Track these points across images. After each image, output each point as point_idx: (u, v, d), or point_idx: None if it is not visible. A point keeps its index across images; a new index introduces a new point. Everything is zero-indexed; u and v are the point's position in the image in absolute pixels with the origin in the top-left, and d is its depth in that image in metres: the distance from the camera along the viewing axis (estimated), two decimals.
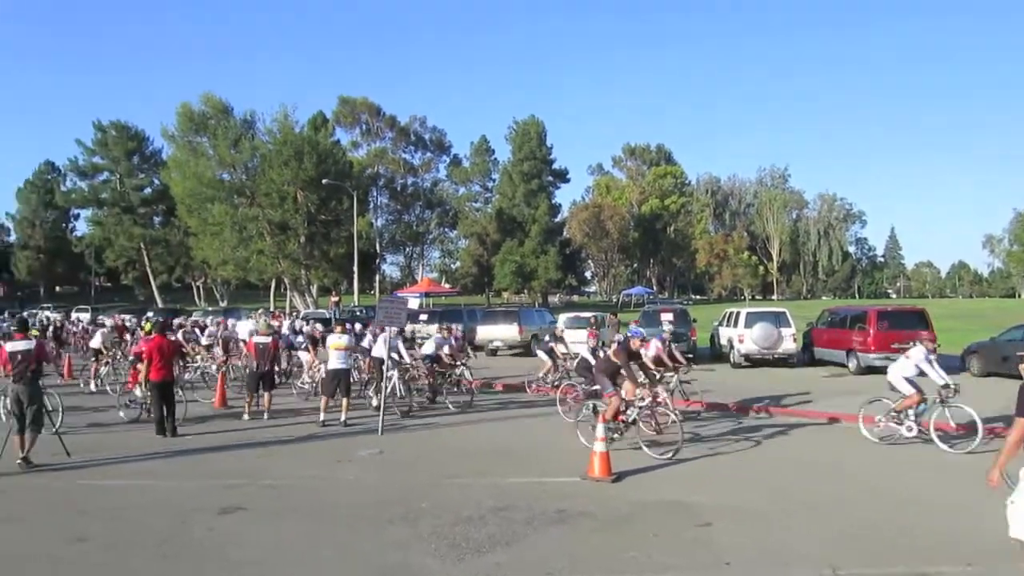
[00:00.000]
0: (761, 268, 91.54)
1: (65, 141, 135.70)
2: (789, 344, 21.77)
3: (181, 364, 14.17)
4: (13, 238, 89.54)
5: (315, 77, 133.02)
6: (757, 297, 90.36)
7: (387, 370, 12.93)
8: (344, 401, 12.72)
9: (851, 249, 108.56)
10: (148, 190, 72.45)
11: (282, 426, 12.53)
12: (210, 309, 49.19)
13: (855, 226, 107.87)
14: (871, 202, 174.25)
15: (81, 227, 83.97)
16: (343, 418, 12.54)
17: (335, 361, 12.84)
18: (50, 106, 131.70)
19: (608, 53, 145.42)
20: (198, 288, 75.44)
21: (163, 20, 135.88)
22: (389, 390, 13.07)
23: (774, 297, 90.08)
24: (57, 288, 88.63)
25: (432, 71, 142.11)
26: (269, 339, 13.93)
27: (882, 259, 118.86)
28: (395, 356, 13.77)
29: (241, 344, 16.45)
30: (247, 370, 14.44)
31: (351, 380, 13.61)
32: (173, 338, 13.64)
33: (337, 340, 13.10)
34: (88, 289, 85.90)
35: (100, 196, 73.50)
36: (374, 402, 13.86)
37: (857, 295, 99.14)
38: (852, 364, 20.27)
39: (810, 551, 6.14)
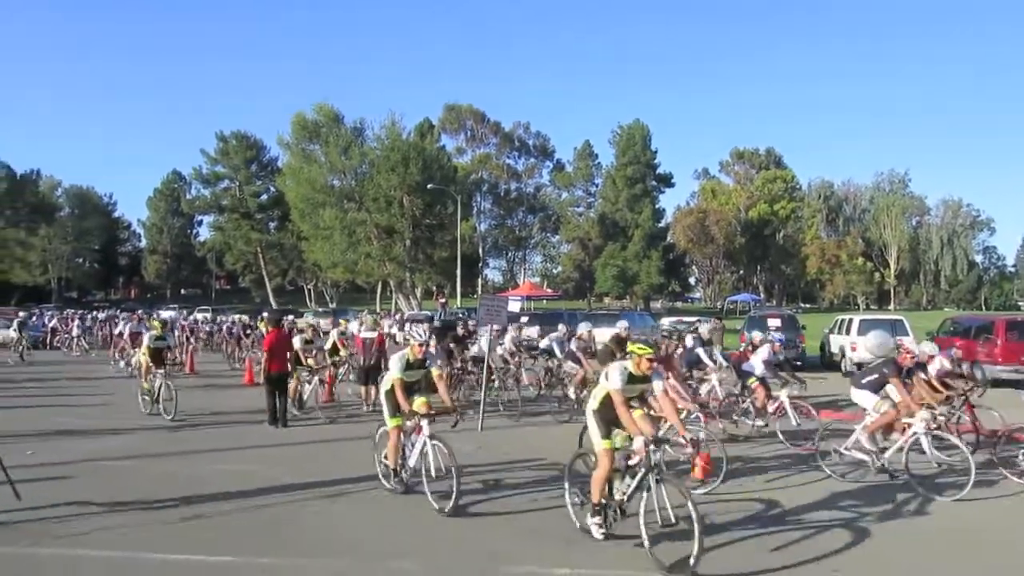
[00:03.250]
0: (877, 275, 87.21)
1: (191, 151, 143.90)
2: None
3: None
4: (144, 243, 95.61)
5: (423, 84, 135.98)
6: (872, 306, 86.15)
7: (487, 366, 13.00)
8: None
9: (978, 258, 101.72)
10: (264, 196, 76.09)
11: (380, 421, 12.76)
12: (320, 310, 51.05)
13: (983, 234, 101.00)
14: (1001, 209, 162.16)
15: (203, 232, 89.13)
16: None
17: None
18: (178, 118, 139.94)
19: (715, 56, 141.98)
20: (309, 291, 78.52)
21: (278, 32, 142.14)
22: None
23: (891, 307, 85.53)
24: (182, 291, 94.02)
25: (536, 77, 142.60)
26: (375, 334, 14.33)
27: (1012, 269, 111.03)
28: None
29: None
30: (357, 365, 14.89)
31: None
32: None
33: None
34: (209, 291, 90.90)
35: (221, 203, 77.84)
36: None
37: (984, 306, 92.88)
38: (977, 376, 18.99)
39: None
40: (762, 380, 11.32)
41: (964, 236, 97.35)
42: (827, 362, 23.52)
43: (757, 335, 13.48)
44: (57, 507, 6.92)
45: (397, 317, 32.63)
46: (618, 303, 75.69)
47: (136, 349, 20.05)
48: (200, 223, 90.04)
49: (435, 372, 7.75)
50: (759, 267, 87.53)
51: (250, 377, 18.17)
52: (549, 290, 70.22)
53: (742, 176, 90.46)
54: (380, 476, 7.81)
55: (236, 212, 75.95)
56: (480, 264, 78.20)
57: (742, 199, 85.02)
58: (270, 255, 75.67)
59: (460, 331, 16.99)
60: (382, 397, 7.87)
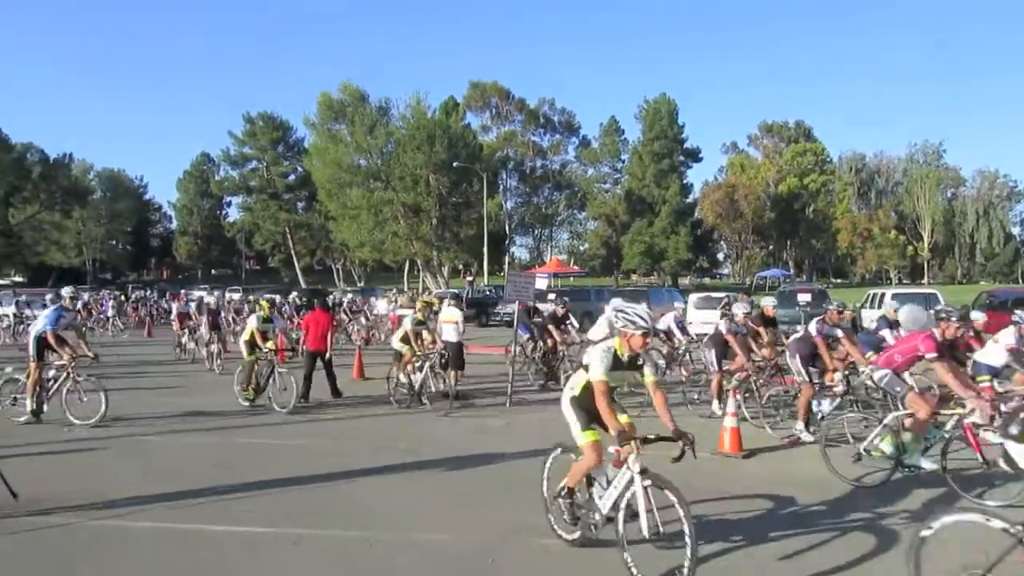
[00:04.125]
0: (910, 249, 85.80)
1: (219, 133, 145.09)
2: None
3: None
4: (175, 225, 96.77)
5: (447, 61, 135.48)
6: (905, 281, 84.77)
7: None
8: (453, 373, 12.77)
9: (1015, 230, 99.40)
10: (292, 177, 76.70)
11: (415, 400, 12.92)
12: (348, 289, 51.49)
13: (1020, 205, 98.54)
14: None
15: (233, 213, 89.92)
16: (454, 390, 12.69)
17: (447, 334, 13.15)
18: (205, 101, 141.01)
19: (742, 28, 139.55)
20: (337, 270, 79.15)
21: (302, 12, 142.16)
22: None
23: (924, 281, 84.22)
24: (213, 271, 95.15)
25: (560, 52, 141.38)
26: (410, 312, 14.56)
27: None
28: None
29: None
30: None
31: (463, 353, 13.48)
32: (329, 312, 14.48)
33: (447, 314, 13.56)
34: (239, 272, 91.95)
35: (249, 183, 78.60)
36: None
37: (1021, 280, 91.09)
38: None
39: None
40: (995, 375, 8.38)
41: (1001, 208, 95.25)
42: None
43: (980, 317, 10.50)
44: (108, 481, 7.13)
45: (426, 295, 32.81)
46: (645, 280, 75.38)
47: (183, 331, 19.84)
48: (229, 204, 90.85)
49: (650, 377, 5.29)
50: (789, 242, 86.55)
51: (281, 356, 18.41)
52: (576, 267, 70.04)
53: (771, 150, 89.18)
54: (550, 520, 5.74)
55: (264, 193, 76.67)
56: (507, 242, 78.07)
57: (771, 173, 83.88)
58: (299, 235, 76.37)
59: (559, 310, 14.95)
60: (565, 405, 5.53)
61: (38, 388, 10.27)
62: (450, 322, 13.25)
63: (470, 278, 53.00)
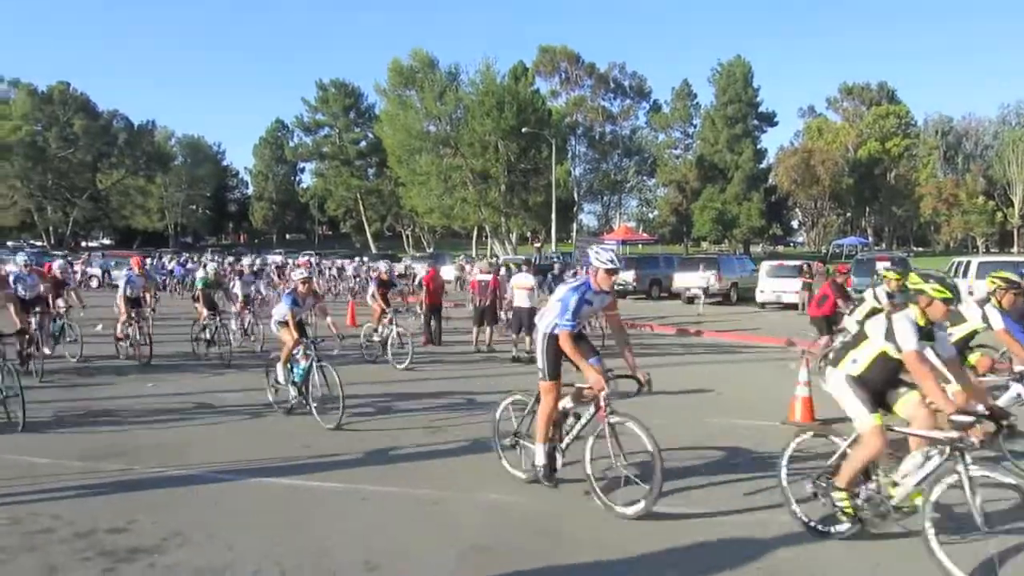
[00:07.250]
0: (999, 215, 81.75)
1: (293, 100, 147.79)
2: None
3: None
4: (251, 190, 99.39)
5: (517, 26, 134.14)
6: (993, 249, 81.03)
7: None
8: (528, 338, 13.18)
9: None
10: (363, 143, 77.73)
11: (491, 363, 13.16)
12: (417, 255, 52.17)
13: None
14: None
15: (306, 179, 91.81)
16: (529, 351, 13.09)
17: (519, 299, 13.64)
18: (280, 68, 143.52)
19: None
20: (407, 236, 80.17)
21: None
22: None
23: (1014, 249, 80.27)
24: (287, 236, 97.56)
25: (632, 15, 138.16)
26: (489, 277, 14.90)
27: None
28: None
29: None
30: (472, 306, 15.71)
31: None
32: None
33: (521, 280, 13.95)
34: (313, 237, 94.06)
35: (322, 150, 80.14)
36: None
37: None
38: None
39: None
40: None
41: None
42: None
43: None
44: (191, 435, 7.50)
45: (494, 261, 33.03)
46: (716, 247, 74.03)
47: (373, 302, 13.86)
48: (303, 170, 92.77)
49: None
50: (868, 209, 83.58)
51: (352, 319, 18.86)
52: (645, 234, 69.21)
53: (851, 113, 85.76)
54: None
55: (336, 159, 78.06)
56: (575, 208, 77.54)
57: (851, 137, 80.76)
58: (369, 201, 77.61)
59: None
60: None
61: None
62: (524, 288, 13.51)
63: (538, 245, 52.95)
